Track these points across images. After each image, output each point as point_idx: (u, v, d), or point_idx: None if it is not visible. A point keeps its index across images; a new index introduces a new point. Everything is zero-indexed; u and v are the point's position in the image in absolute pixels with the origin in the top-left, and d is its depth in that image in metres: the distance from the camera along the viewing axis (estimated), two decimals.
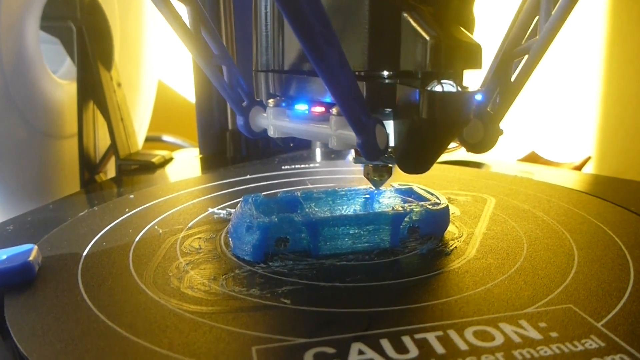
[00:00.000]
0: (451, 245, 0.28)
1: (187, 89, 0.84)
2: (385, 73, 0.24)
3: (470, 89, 0.23)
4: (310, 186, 0.40)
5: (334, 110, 0.24)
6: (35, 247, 0.27)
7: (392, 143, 0.24)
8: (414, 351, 0.19)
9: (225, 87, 0.29)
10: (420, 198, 0.31)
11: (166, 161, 0.51)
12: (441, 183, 0.40)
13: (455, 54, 0.22)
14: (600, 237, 0.29)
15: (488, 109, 0.27)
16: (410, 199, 0.31)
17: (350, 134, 0.23)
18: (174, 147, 0.81)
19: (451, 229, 0.30)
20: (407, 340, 0.19)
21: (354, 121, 0.22)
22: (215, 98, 0.54)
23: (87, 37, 0.47)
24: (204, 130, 0.54)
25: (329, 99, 0.25)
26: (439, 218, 0.29)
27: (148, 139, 0.73)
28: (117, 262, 0.27)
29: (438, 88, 0.22)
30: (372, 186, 0.29)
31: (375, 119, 0.23)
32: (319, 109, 0.26)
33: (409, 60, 0.23)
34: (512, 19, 0.27)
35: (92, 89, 0.48)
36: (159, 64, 0.68)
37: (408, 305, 0.22)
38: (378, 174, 0.28)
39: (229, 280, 0.25)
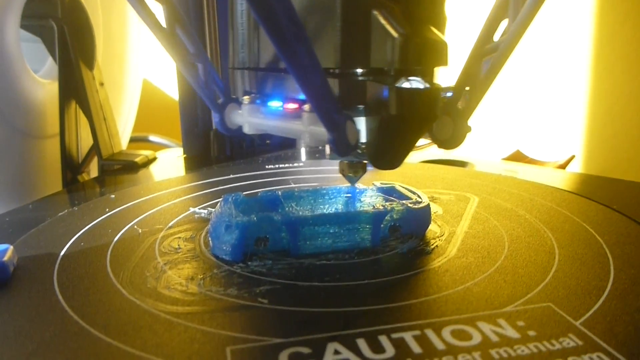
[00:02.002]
0: (432, 244, 0.28)
1: (173, 88, 0.84)
2: (358, 70, 0.24)
3: (441, 86, 0.23)
4: (292, 185, 0.40)
5: (306, 107, 0.24)
6: (11, 247, 0.26)
7: (364, 139, 0.24)
8: (390, 351, 0.18)
9: (200, 84, 0.29)
10: (402, 197, 0.31)
11: (149, 161, 0.51)
12: (425, 182, 0.40)
13: (423, 51, 0.23)
14: (581, 236, 0.29)
15: (458, 106, 0.27)
16: (392, 197, 0.31)
17: (322, 130, 0.23)
18: (160, 147, 0.81)
19: (433, 227, 0.30)
20: (383, 339, 0.19)
21: (324, 118, 0.22)
22: (198, 98, 0.53)
23: (68, 36, 0.47)
24: (187, 130, 0.54)
25: (302, 96, 0.25)
26: (420, 217, 0.29)
27: (134, 139, 0.73)
28: (94, 262, 0.26)
29: (406, 84, 0.23)
30: (348, 183, 0.29)
31: (346, 115, 0.23)
32: (292, 106, 0.26)
33: (379, 58, 0.23)
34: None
35: (74, 89, 0.48)
36: (144, 62, 0.67)
37: (386, 305, 0.22)
38: (353, 171, 0.28)
39: (206, 280, 0.24)
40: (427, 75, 0.24)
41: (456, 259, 0.26)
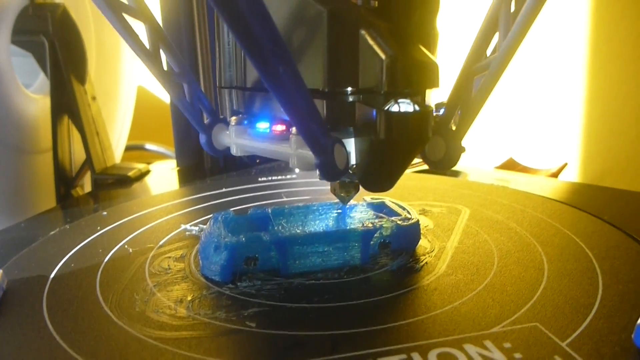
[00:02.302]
0: (422, 261, 0.28)
1: (167, 95, 0.84)
2: (346, 90, 0.23)
3: (431, 106, 0.23)
4: (284, 199, 0.40)
5: (293, 130, 0.23)
6: (0, 271, 0.26)
7: (354, 161, 0.24)
8: None
9: (186, 105, 0.29)
10: (392, 212, 0.31)
11: (143, 174, 0.51)
12: (417, 194, 0.40)
13: (412, 73, 0.22)
14: (571, 249, 0.29)
15: (450, 126, 0.27)
16: (381, 214, 0.31)
17: (310, 154, 0.22)
18: (156, 155, 0.81)
19: (423, 243, 0.30)
20: None
21: (311, 141, 0.22)
22: None
23: (59, 51, 0.47)
24: (180, 142, 0.54)
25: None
26: (409, 233, 0.29)
27: (130, 148, 0.73)
28: (84, 285, 0.26)
29: (395, 108, 0.22)
30: (340, 202, 0.29)
31: (335, 139, 0.22)
32: (280, 128, 0.26)
33: (367, 78, 0.22)
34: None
35: (66, 103, 0.48)
36: (137, 73, 0.67)
37: (373, 327, 0.22)
38: (345, 190, 0.28)
39: (195, 302, 0.24)
40: (418, 95, 0.23)
41: (445, 276, 0.26)
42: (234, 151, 0.28)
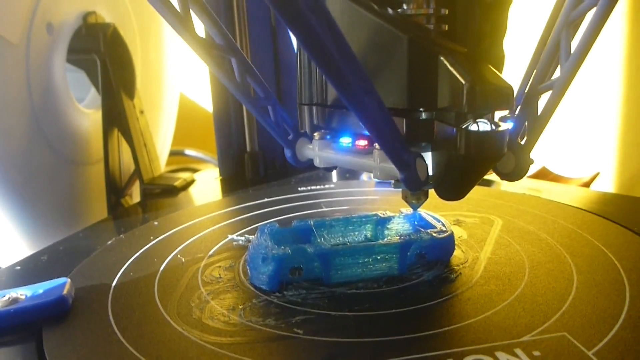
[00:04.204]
0: (456, 271, 0.30)
1: (206, 100, 0.86)
2: (423, 110, 0.26)
3: (502, 125, 0.25)
4: (324, 209, 0.42)
5: (376, 145, 0.26)
6: (69, 280, 0.29)
7: (430, 172, 0.26)
8: None
9: (272, 125, 0.31)
10: (427, 224, 0.32)
11: (188, 184, 0.53)
12: (451, 204, 0.41)
13: (489, 96, 0.24)
14: (600, 261, 0.30)
15: (518, 140, 0.29)
16: (416, 225, 0.33)
17: (392, 167, 0.25)
18: (195, 160, 0.84)
19: (457, 253, 0.32)
20: None
21: (395, 159, 0.24)
22: (233, 121, 0.56)
23: (110, 68, 0.50)
24: (223, 152, 0.56)
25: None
26: (444, 245, 0.31)
27: (171, 153, 0.76)
28: (144, 293, 0.29)
29: (474, 127, 0.24)
30: (410, 208, 0.31)
31: (415, 154, 0.25)
32: (363, 143, 0.28)
33: (445, 100, 0.25)
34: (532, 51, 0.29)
35: (117, 117, 0.51)
36: (179, 84, 0.70)
37: (410, 335, 0.23)
38: (416, 198, 0.30)
39: (246, 310, 0.26)
40: (490, 115, 0.26)
41: (478, 286, 0.28)
42: (317, 163, 0.31)
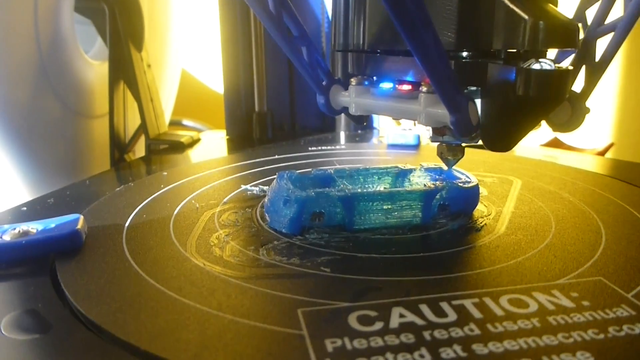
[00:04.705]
0: (481, 222, 0.29)
1: (207, 76, 0.85)
2: (471, 52, 0.24)
3: (569, 68, 0.23)
4: (337, 166, 0.41)
5: (423, 88, 0.24)
6: (81, 216, 0.28)
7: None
8: (452, 315, 0.20)
9: (306, 67, 0.29)
10: (451, 176, 0.32)
11: (195, 141, 0.52)
12: (467, 165, 0.41)
13: (554, 32, 0.23)
14: (626, 218, 0.30)
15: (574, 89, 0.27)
16: (440, 177, 0.32)
17: (439, 112, 0.24)
18: (194, 131, 0.82)
19: (480, 207, 0.31)
20: (445, 305, 0.20)
21: (448, 99, 0.23)
22: (242, 81, 0.55)
23: (119, 17, 0.48)
24: (231, 112, 0.55)
25: (410, 77, 0.26)
26: (469, 196, 0.30)
27: (169, 123, 0.75)
28: (159, 233, 0.28)
29: (536, 66, 0.23)
30: (445, 165, 0.30)
31: (468, 96, 0.23)
32: (406, 87, 0.27)
33: (502, 40, 0.23)
34: None
35: (123, 70, 0.49)
36: (183, 47, 0.69)
37: (443, 275, 0.23)
38: (452, 154, 0.29)
39: (269, 250, 0.26)
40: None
41: (505, 236, 0.27)
42: (353, 110, 0.29)
